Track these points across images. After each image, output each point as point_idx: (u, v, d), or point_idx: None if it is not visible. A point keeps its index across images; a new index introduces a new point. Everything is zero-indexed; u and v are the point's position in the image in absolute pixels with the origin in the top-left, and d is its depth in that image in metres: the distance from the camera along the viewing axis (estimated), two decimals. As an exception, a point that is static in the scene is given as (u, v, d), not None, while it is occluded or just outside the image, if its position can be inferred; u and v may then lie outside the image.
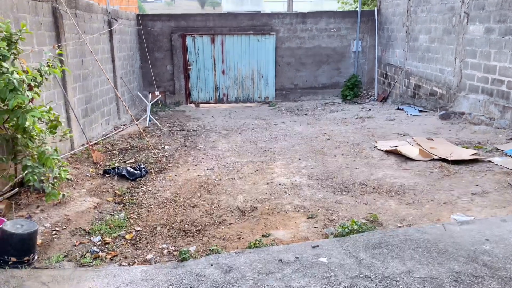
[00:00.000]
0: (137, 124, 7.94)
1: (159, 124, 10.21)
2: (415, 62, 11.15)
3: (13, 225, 3.84)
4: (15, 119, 4.57)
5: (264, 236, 4.32)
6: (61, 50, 6.83)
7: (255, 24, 13.15)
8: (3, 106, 4.57)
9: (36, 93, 4.83)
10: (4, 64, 4.42)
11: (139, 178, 6.26)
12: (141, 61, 12.88)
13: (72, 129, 7.28)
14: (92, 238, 4.41)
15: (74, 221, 4.76)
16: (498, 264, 3.37)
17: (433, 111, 9.98)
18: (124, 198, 5.56)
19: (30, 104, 4.74)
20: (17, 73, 4.45)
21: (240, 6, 34.98)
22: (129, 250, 4.20)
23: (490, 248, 3.64)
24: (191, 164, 6.96)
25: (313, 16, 13.30)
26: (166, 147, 8.15)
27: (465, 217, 4.48)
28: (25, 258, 3.77)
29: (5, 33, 4.69)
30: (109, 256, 4.06)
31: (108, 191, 5.76)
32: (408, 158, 6.58)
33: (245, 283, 3.27)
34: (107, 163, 6.92)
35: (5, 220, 4.11)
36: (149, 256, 4.04)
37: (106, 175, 6.29)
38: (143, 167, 6.52)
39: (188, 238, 4.40)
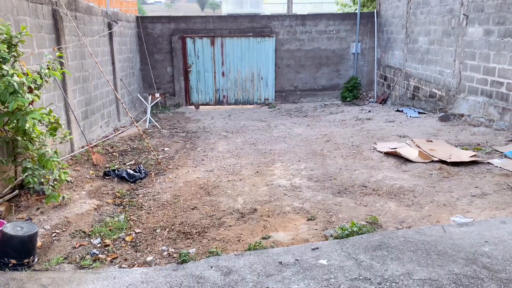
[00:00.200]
0: (137, 126, 7.95)
1: (159, 126, 10.22)
2: (415, 64, 11.17)
3: (13, 228, 3.85)
4: (15, 121, 4.58)
5: (264, 238, 4.33)
6: (61, 53, 6.84)
7: (254, 26, 13.17)
8: (3, 108, 4.57)
9: (36, 95, 4.84)
10: (4, 66, 4.43)
11: (139, 180, 6.26)
12: (141, 63, 12.90)
13: (72, 131, 7.29)
14: (92, 240, 4.41)
15: (74, 223, 4.76)
16: (498, 266, 3.38)
17: (432, 113, 10.00)
18: (124, 200, 5.57)
19: (30, 106, 4.76)
20: (17, 76, 4.46)
21: (240, 8, 35.06)
22: (129, 252, 4.20)
23: (489, 250, 3.65)
24: (191, 166, 6.97)
25: (312, 18, 13.33)
26: (166, 149, 8.16)
27: (464, 219, 4.49)
28: (25, 261, 3.77)
29: (5, 35, 4.70)
30: (109, 258, 4.06)
31: (108, 193, 5.77)
32: (407, 160, 6.59)
33: (245, 286, 3.28)
34: (107, 165, 6.92)
35: (5, 222, 4.12)
36: (149, 258, 4.04)
37: (106, 177, 6.29)
38: (143, 169, 6.53)
39: (188, 240, 4.41)
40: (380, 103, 12.54)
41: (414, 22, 11.08)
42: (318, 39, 13.39)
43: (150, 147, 7.70)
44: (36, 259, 3.92)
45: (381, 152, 7.17)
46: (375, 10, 13.59)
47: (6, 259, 3.71)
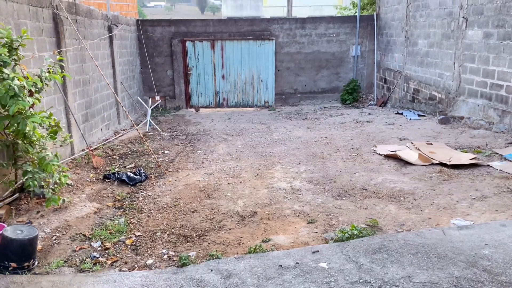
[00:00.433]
0: (137, 129, 7.96)
1: (159, 129, 10.23)
2: (414, 67, 11.19)
3: (14, 231, 3.85)
4: (15, 124, 4.59)
5: (264, 241, 4.33)
6: (61, 56, 6.86)
7: (254, 29, 13.21)
8: (4, 111, 4.59)
9: (37, 98, 4.85)
10: (5, 70, 4.45)
11: (139, 183, 6.27)
12: (141, 66, 12.93)
13: (72, 134, 7.30)
14: (92, 243, 4.41)
15: (74, 227, 4.76)
16: (498, 269, 3.38)
17: (432, 115, 10.01)
18: (124, 203, 5.57)
19: (31, 110, 4.76)
20: (18, 79, 4.47)
21: (240, 11, 35.13)
22: (129, 255, 4.20)
23: (489, 253, 3.65)
24: (191, 169, 6.98)
25: (312, 22, 13.36)
26: (166, 151, 8.17)
27: (464, 221, 4.49)
28: (26, 264, 3.78)
29: (6, 39, 4.72)
30: (109, 262, 4.06)
31: (108, 196, 5.77)
32: (407, 163, 6.59)
33: (245, 289, 3.28)
34: (107, 168, 6.93)
35: (6, 225, 4.12)
36: (149, 262, 4.04)
37: (106, 180, 6.29)
38: (143, 172, 6.53)
39: (188, 243, 4.41)
40: (380, 105, 12.55)
41: (414, 25, 11.11)
42: (318, 42, 13.42)
43: (150, 150, 7.71)
44: (36, 263, 3.92)
45: (381, 154, 7.18)
46: (374, 13, 13.62)
47: (6, 263, 3.71)
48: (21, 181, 5.10)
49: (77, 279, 3.59)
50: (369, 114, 11.31)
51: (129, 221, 4.97)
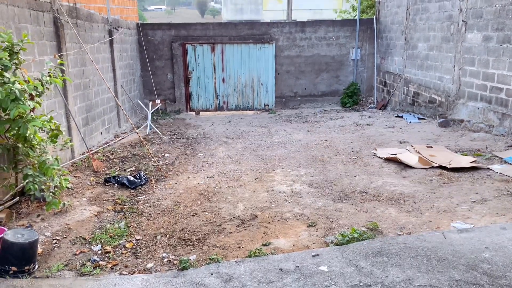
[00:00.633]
0: (137, 133, 7.97)
1: (159, 132, 10.24)
2: (414, 70, 11.21)
3: (14, 235, 3.85)
4: (16, 128, 4.59)
5: (264, 244, 4.33)
6: (62, 60, 6.87)
7: (254, 33, 13.24)
8: (5, 115, 4.59)
9: (37, 102, 4.86)
10: (6, 74, 4.46)
11: (139, 187, 6.27)
12: (141, 70, 12.96)
13: (73, 138, 7.31)
14: (92, 247, 4.42)
15: (74, 230, 4.76)
16: (498, 272, 3.38)
17: (432, 118, 10.02)
18: (125, 206, 5.57)
19: (31, 113, 4.78)
20: (19, 83, 4.48)
21: (240, 15, 35.23)
22: (130, 259, 4.20)
23: (489, 256, 3.65)
24: (191, 172, 6.98)
25: (312, 25, 13.40)
26: (166, 155, 8.17)
27: (464, 225, 4.49)
28: (26, 268, 3.77)
29: (7, 43, 4.74)
30: (109, 265, 4.06)
31: (108, 199, 5.77)
32: (407, 166, 6.59)
33: (246, 292, 3.28)
34: (108, 172, 6.93)
35: (6, 229, 4.12)
36: (150, 265, 4.04)
37: (107, 184, 6.30)
38: (143, 176, 6.53)
39: (188, 247, 4.41)
40: (380, 109, 12.57)
41: (414, 28, 11.14)
42: (317, 46, 13.45)
43: (150, 153, 7.72)
44: (36, 266, 3.92)
45: (381, 158, 7.18)
46: (374, 17, 13.66)
47: (6, 266, 3.71)
48: (21, 184, 5.10)
49: (77, 283, 3.59)
50: (369, 117, 11.32)
51: (129, 225, 4.98)
